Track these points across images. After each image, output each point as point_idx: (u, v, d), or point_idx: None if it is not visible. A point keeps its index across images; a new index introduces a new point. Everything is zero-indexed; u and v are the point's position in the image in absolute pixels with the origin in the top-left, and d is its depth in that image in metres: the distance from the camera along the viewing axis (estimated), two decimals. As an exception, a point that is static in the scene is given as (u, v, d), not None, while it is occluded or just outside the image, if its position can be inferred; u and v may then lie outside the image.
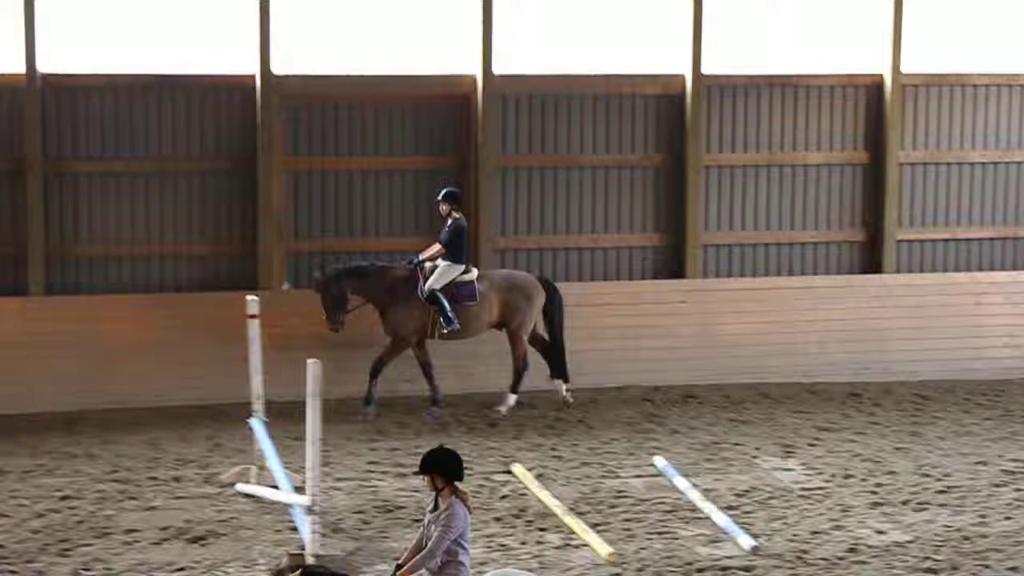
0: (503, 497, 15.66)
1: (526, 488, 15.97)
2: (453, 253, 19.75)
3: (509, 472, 16.69)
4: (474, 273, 19.97)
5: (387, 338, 19.78)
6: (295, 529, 13.91)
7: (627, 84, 22.04)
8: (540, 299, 20.17)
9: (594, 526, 14.49)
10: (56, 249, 20.41)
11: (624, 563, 13.47)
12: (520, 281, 20.22)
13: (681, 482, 16.06)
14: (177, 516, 14.64)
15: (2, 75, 20.19)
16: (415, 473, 10.87)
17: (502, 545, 13.91)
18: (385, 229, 21.59)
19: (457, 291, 19.68)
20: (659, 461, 16.96)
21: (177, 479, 16.23)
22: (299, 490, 14.14)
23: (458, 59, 21.55)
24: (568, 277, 21.99)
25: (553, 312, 20.29)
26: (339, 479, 16.31)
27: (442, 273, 19.67)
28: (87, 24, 20.58)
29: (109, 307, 20.28)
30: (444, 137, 21.77)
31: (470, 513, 10.62)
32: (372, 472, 16.75)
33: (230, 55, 20.93)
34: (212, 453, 17.65)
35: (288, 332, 19.86)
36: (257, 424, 15.53)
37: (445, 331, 19.60)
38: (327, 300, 19.59)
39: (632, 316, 21.67)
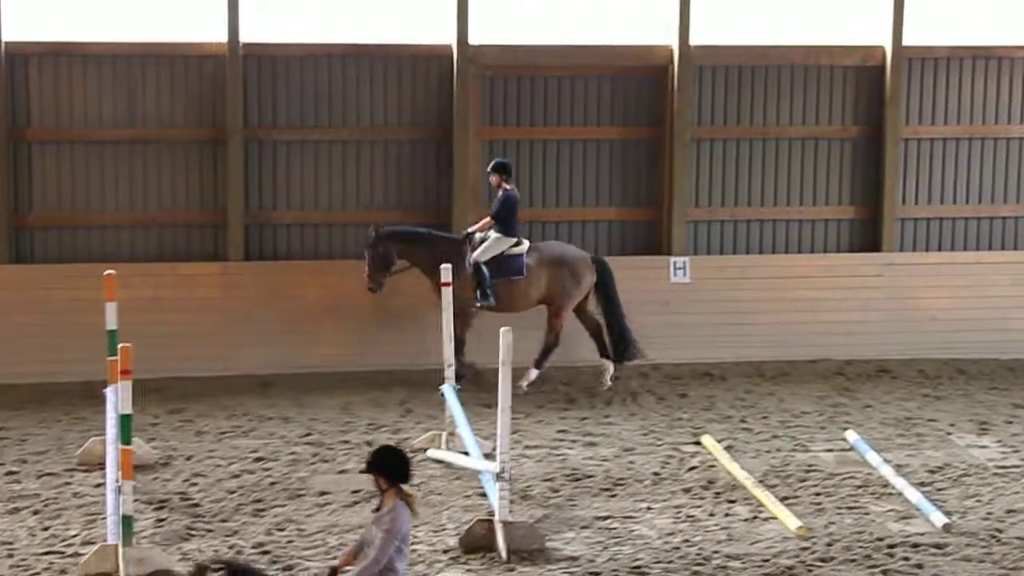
0: (692, 468, 15.57)
1: (715, 460, 15.86)
2: (503, 225, 19.44)
3: (698, 443, 16.60)
4: (525, 246, 19.65)
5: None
6: (484, 495, 13.98)
7: (824, 55, 21.70)
8: (588, 278, 19.68)
9: (783, 499, 14.34)
10: (255, 216, 20.76)
11: (813, 537, 13.31)
12: (570, 259, 19.75)
13: (873, 457, 15.81)
14: (368, 480, 14.78)
15: (206, 44, 20.57)
16: (361, 471, 10.53)
17: (690, 516, 13.83)
18: (579, 199, 21.58)
19: (505, 264, 19.39)
20: (851, 435, 16.72)
21: (369, 443, 16.40)
22: (489, 457, 14.21)
23: (654, 29, 21.41)
24: (762, 249, 21.78)
25: (608, 292, 19.78)
26: (528, 447, 16.36)
27: (491, 245, 19.39)
28: (288, -6, 20.94)
29: (306, 273, 20.56)
30: (639, 108, 21.66)
31: (415, 516, 10.04)
32: (561, 441, 16.77)
33: (428, 25, 21.06)
34: (404, 419, 17.82)
35: (480, 300, 19.97)
36: (449, 391, 15.63)
37: (478, 304, 19.26)
38: (372, 258, 19.45)
39: (826, 289, 21.39)
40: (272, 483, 14.74)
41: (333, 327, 20.24)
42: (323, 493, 14.36)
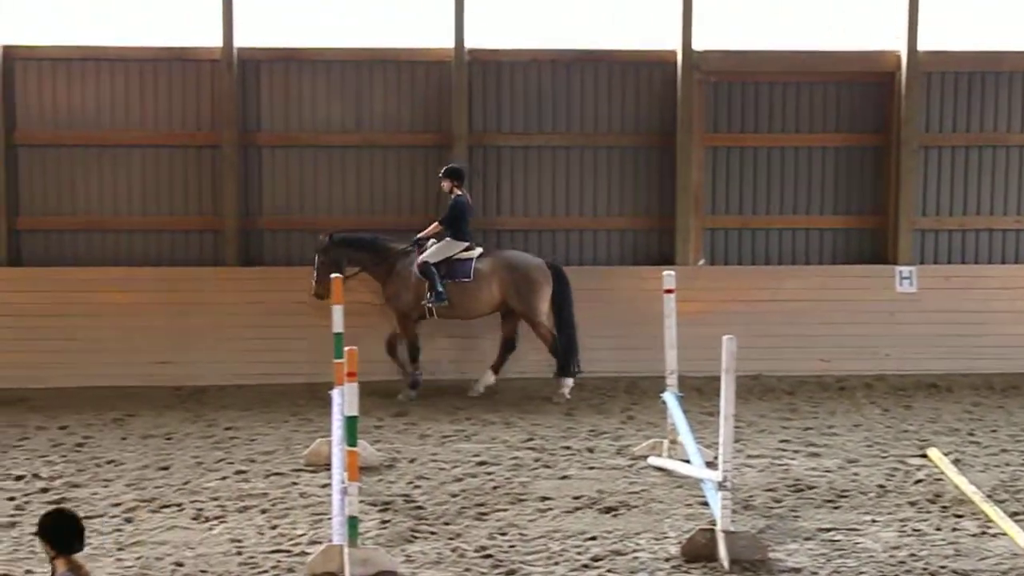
0: (918, 481, 15.22)
1: (942, 473, 15.49)
2: (453, 230, 19.29)
3: (924, 456, 16.23)
4: (476, 252, 19.43)
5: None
6: (706, 504, 13.84)
7: (1059, 60, 21.18)
8: (545, 284, 19.38)
9: (1013, 515, 13.94)
10: (478, 222, 20.88)
11: (1045, 555, 12.92)
12: (523, 264, 19.45)
13: (1108, 474, 15.31)
14: (590, 486, 14.75)
15: (432, 50, 20.77)
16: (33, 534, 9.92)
17: (916, 530, 13.52)
18: (803, 206, 21.33)
19: (453, 268, 19.22)
20: (1085, 451, 16.22)
21: (591, 450, 16.37)
22: (711, 465, 14.08)
23: (881, 35, 21.06)
24: (991, 259, 21.28)
25: (561, 301, 19.44)
26: (751, 456, 16.17)
27: (440, 248, 19.28)
28: (514, 0, 21.00)
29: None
30: (864, 114, 21.33)
31: None
32: (784, 451, 16.54)
33: (652, 31, 20.99)
34: (625, 425, 17.76)
35: (703, 308, 19.86)
36: (671, 398, 15.52)
37: (430, 305, 19.08)
38: (321, 264, 19.32)
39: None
40: (494, 487, 14.78)
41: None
42: (545, 498, 14.34)
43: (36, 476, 15.18)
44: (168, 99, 20.67)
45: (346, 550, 11.68)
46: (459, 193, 19.36)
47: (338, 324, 14.56)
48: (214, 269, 20.46)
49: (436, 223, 19.38)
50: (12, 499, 14.25)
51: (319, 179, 20.86)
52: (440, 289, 19.05)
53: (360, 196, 20.86)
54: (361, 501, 12.39)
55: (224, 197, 20.63)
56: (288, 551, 12.60)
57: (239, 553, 12.50)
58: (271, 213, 20.90)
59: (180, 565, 12.11)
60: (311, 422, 17.72)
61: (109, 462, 15.84)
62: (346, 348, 11.75)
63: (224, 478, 15.12)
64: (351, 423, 11.71)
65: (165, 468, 15.54)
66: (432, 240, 19.38)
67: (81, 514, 13.54)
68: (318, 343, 18.93)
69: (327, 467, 14.58)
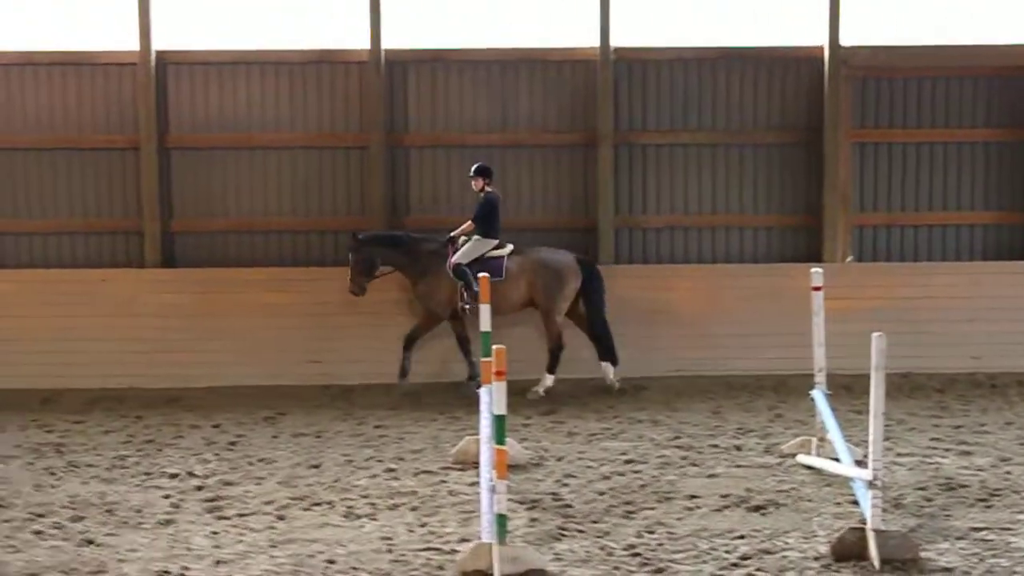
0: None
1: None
2: (484, 228, 19.20)
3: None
4: (507, 249, 19.33)
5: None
6: (855, 503, 13.71)
7: None
8: (574, 281, 19.34)
9: None
10: (624, 220, 20.86)
11: None
12: (554, 262, 19.39)
13: None
14: (738, 484, 14.66)
15: (578, 50, 20.80)
16: None
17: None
18: (953, 202, 21.05)
19: (484, 266, 19.04)
20: None
21: (738, 448, 16.28)
22: (860, 464, 13.94)
23: (1029, 27, 20.79)
24: None
25: (591, 294, 19.39)
26: (900, 454, 15.98)
27: (471, 248, 19.20)
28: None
29: (674, 277, 20.59)
30: (1015, 109, 20.98)
31: None
32: (935, 449, 16.32)
33: (797, 27, 20.84)
34: (773, 423, 17.64)
35: (851, 305, 19.68)
36: (819, 396, 15.39)
37: (467, 306, 19.00)
38: (355, 263, 19.41)
39: None
40: (642, 485, 14.75)
41: (701, 331, 20.21)
42: (692, 497, 14.28)
43: (191, 474, 15.43)
44: (317, 101, 20.91)
45: (495, 548, 11.73)
46: (490, 191, 19.36)
47: (485, 323, 14.63)
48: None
49: (469, 221, 19.38)
50: (167, 496, 14.50)
51: (465, 179, 20.96)
52: (476, 289, 18.91)
53: (505, 195, 20.91)
54: (509, 499, 12.43)
55: (371, 197, 20.83)
56: (438, 549, 12.68)
57: (390, 551, 12.60)
58: (418, 212, 21.06)
59: (332, 562, 12.24)
60: (459, 420, 17.84)
61: (261, 460, 16.06)
62: (494, 346, 11.80)
63: (374, 476, 15.25)
64: (499, 421, 11.75)
65: (316, 466, 15.72)
66: (463, 238, 19.43)
67: (234, 512, 13.79)
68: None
69: (475, 465, 14.66)
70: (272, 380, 20.02)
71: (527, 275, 19.35)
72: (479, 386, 19.09)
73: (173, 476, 15.34)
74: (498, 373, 11.69)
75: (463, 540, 12.81)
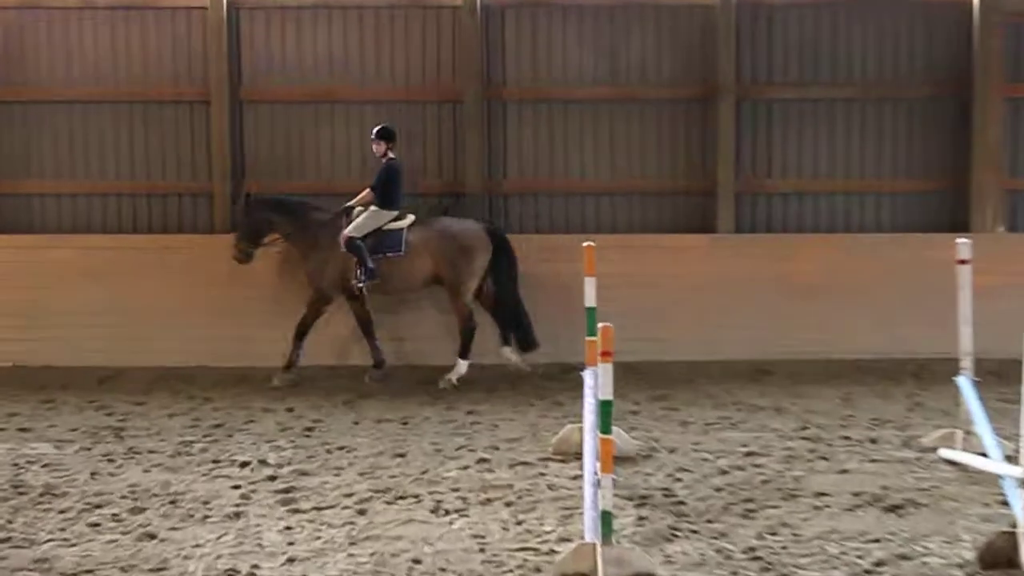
0: None
1: None
2: (383, 197, 19.06)
3: None
4: (407, 221, 19.22)
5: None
6: (1005, 503, 13.53)
7: None
8: (483, 253, 19.18)
9: None
10: (748, 183, 20.70)
11: None
12: (459, 233, 19.24)
13: None
14: (872, 481, 14.52)
15: (695, -6, 20.70)
16: None
17: None
18: (1115, 165, 20.80)
19: (381, 240, 19.01)
20: None
21: (872, 440, 16.12)
22: (1011, 460, 13.75)
23: None
24: None
25: (501, 268, 19.28)
26: (1057, 450, 15.77)
27: (366, 220, 19.05)
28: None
29: (801, 247, 20.41)
30: None
31: None
32: (1097, 444, 16.09)
33: (944, -33, 20.62)
34: (912, 413, 17.46)
35: (1002, 280, 19.42)
36: (965, 383, 15.19)
37: (360, 283, 18.95)
38: (242, 225, 19.45)
39: None
40: (764, 481, 14.64)
41: (831, 308, 20.02)
42: (821, 494, 14.15)
43: (263, 462, 15.50)
44: (405, 50, 20.89)
45: (599, 549, 11.67)
46: (392, 157, 19.27)
47: (590, 297, 14.55)
48: (454, 237, 20.61)
49: (367, 189, 19.25)
50: (237, 487, 14.56)
51: (569, 137, 20.87)
52: (371, 266, 18.95)
53: (615, 155, 20.83)
54: (616, 495, 12.37)
55: (467, 156, 20.79)
56: (535, 549, 12.64)
57: (482, 550, 12.58)
58: (516, 174, 21.00)
59: (418, 562, 12.24)
60: (560, 406, 17.79)
61: (340, 448, 16.10)
62: (600, 324, 11.73)
63: (465, 467, 15.24)
64: (605, 408, 11.68)
65: (401, 455, 15.74)
66: (359, 209, 19.34)
67: (310, 505, 13.82)
68: (562, 317, 18.99)
69: (578, 457, 14.62)
70: (354, 360, 19.98)
71: (431, 247, 19.24)
72: (383, 376, 19.18)
73: (243, 465, 15.41)
74: (604, 354, 11.62)
75: (563, 540, 12.77)
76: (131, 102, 20.97)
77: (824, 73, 20.83)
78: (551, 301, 19.70)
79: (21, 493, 14.47)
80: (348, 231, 19.07)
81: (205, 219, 21.01)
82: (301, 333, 19.49)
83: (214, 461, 15.57)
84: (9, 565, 12.37)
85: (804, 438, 16.33)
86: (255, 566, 12.20)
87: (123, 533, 13.16)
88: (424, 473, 15.01)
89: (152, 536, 13.05)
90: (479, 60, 20.70)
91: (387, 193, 19.18)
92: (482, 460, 15.50)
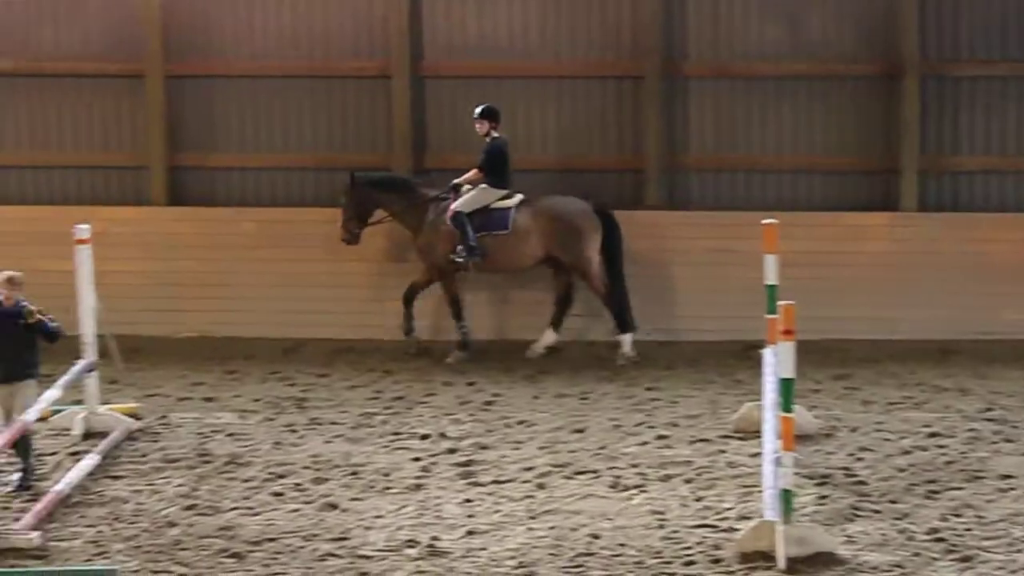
0: None
1: None
2: (492, 175, 19.01)
3: None
4: (515, 199, 19.10)
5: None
6: None
7: None
8: (593, 231, 19.15)
9: None
10: (931, 161, 20.45)
11: None
12: (567, 212, 19.23)
13: None
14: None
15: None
16: None
17: None
18: None
19: (488, 218, 18.94)
20: None
21: (1064, 423, 15.95)
22: None
23: None
24: None
25: (612, 249, 19.16)
26: None
27: (475, 196, 19.05)
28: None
29: (990, 227, 20.10)
30: None
31: None
32: None
33: None
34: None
35: None
36: None
37: (460, 260, 18.90)
38: (349, 206, 19.40)
39: None
40: (947, 462, 14.54)
41: (1020, 289, 19.72)
42: (1006, 476, 14.04)
43: (442, 435, 15.69)
44: (586, 25, 20.86)
45: (779, 527, 11.69)
46: (496, 135, 19.30)
47: (771, 275, 14.55)
48: (633, 213, 20.55)
49: (475, 169, 19.29)
50: (417, 459, 14.77)
51: (752, 113, 20.76)
52: (472, 243, 18.94)
53: (798, 132, 20.66)
54: (796, 473, 12.36)
55: (647, 134, 20.76)
56: (714, 526, 12.70)
57: (661, 526, 12.66)
58: (698, 151, 20.93)
59: (596, 537, 12.35)
60: (741, 384, 17.76)
61: (520, 422, 16.25)
62: (781, 303, 11.73)
63: (644, 443, 15.33)
64: (786, 386, 11.69)
65: (580, 431, 15.85)
66: (468, 187, 19.32)
67: (489, 478, 13.96)
68: (748, 295, 18.92)
69: (758, 434, 14.61)
70: (531, 335, 20.02)
71: (538, 227, 19.31)
72: (466, 358, 19.12)
73: (424, 437, 15.63)
74: (786, 332, 11.63)
75: (743, 518, 12.81)
76: (313, 76, 21.19)
77: (1012, 50, 20.47)
78: (731, 278, 19.63)
79: (206, 462, 14.82)
80: (456, 205, 19.22)
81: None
82: (407, 299, 19.61)
83: (395, 433, 15.81)
84: (195, 532, 12.69)
85: (989, 419, 16.18)
86: (435, 538, 12.40)
87: (305, 503, 13.44)
88: (603, 449, 15.12)
89: (334, 506, 13.32)
90: (660, 35, 20.64)
91: (495, 171, 19.34)
92: (661, 436, 15.58)
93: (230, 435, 15.82)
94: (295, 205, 21.18)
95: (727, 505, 13.26)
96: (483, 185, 19.32)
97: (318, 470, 14.42)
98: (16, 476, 14.17)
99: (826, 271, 19.72)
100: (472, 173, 19.37)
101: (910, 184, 20.36)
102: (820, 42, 20.63)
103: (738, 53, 20.76)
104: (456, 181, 19.48)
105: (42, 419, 15.24)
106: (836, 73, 20.63)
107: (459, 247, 19.12)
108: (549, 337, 19.61)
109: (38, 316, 14.05)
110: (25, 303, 14.14)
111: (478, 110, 19.39)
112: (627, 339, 19.33)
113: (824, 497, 13.42)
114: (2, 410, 14.19)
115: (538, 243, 19.32)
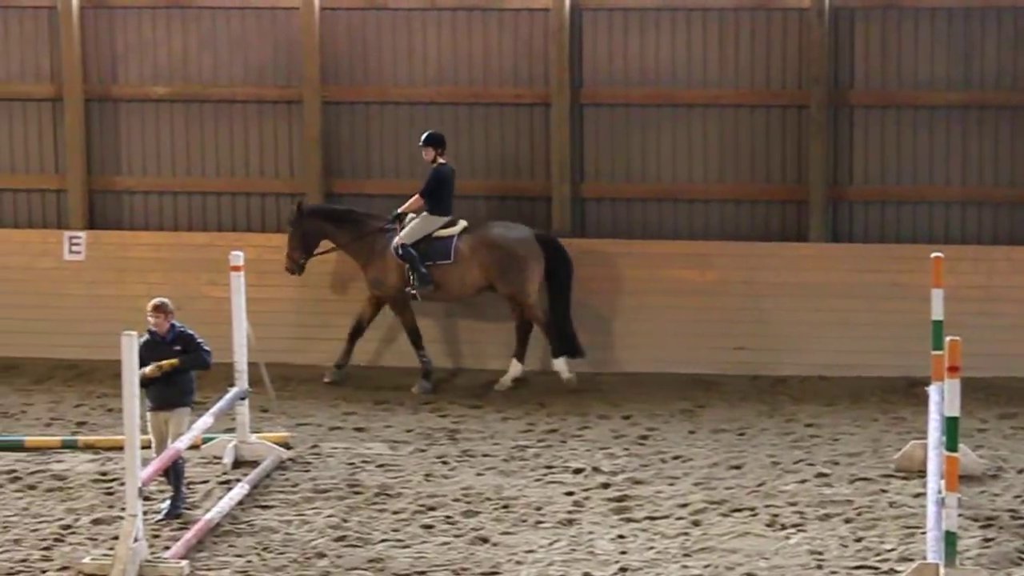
0: None
1: None
2: (432, 202, 18.96)
3: None
4: (459, 227, 19.08)
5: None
6: None
7: None
8: (535, 260, 19.07)
9: None
10: (976, 190, 20.22)
11: None
12: (510, 240, 19.19)
13: None
14: None
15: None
16: None
17: None
18: None
19: (431, 248, 18.90)
20: None
21: None
22: None
23: None
24: None
25: (558, 277, 19.09)
26: None
27: (417, 226, 19.07)
28: None
29: None
30: None
31: None
32: None
33: None
34: None
35: None
36: None
37: (415, 291, 18.86)
38: (294, 237, 19.40)
39: None
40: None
41: None
42: None
43: (596, 469, 15.67)
44: (750, 53, 20.81)
45: (942, 570, 11.55)
46: (442, 162, 19.38)
47: (937, 310, 14.39)
48: (795, 245, 20.49)
49: (416, 195, 19.35)
50: (570, 494, 14.77)
51: (919, 144, 20.55)
52: (423, 271, 18.99)
53: (967, 163, 20.43)
54: (960, 515, 12.22)
55: (811, 164, 20.62)
56: (874, 567, 12.59)
57: (819, 567, 12.57)
58: (862, 182, 20.77)
59: (752, 576, 12.28)
60: (904, 421, 17.57)
61: (676, 457, 16.20)
62: (948, 338, 11.60)
63: (803, 481, 15.20)
64: (951, 425, 11.56)
65: (737, 467, 15.77)
66: (411, 215, 19.35)
67: (643, 514, 13.93)
68: (914, 330, 18.71)
69: (921, 474, 14.46)
70: (692, 368, 19.98)
71: (479, 257, 19.36)
72: (431, 388, 19.16)
73: (577, 471, 15.62)
74: (951, 369, 11.50)
75: (904, 559, 12.68)
76: (471, 104, 21.32)
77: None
78: (896, 311, 19.44)
79: (356, 492, 14.92)
80: (399, 238, 19.34)
81: (542, 220, 21.15)
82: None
83: (547, 467, 15.83)
84: (344, 564, 12.80)
85: None
86: (586, 574, 12.39)
87: (456, 536, 13.48)
88: (761, 485, 15.02)
89: (484, 540, 13.35)
90: (826, 64, 20.52)
91: (437, 199, 19.47)
92: (821, 474, 15.45)
93: (380, 466, 15.93)
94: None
95: (888, 546, 13.13)
96: (424, 214, 19.48)
97: (469, 503, 14.48)
98: (166, 504, 14.37)
99: (996, 306, 19.47)
100: (414, 200, 19.57)
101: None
102: (993, 72, 20.40)
103: (907, 83, 20.57)
104: (399, 210, 19.70)
105: (194, 447, 15.45)
106: (1008, 103, 20.37)
107: (411, 278, 19.29)
108: (515, 369, 19.66)
109: (167, 368, 14.23)
110: (182, 328, 14.38)
111: (423, 137, 19.65)
112: (560, 363, 19.48)
113: (989, 540, 13.24)
114: (156, 437, 14.42)
115: (479, 272, 19.46)
